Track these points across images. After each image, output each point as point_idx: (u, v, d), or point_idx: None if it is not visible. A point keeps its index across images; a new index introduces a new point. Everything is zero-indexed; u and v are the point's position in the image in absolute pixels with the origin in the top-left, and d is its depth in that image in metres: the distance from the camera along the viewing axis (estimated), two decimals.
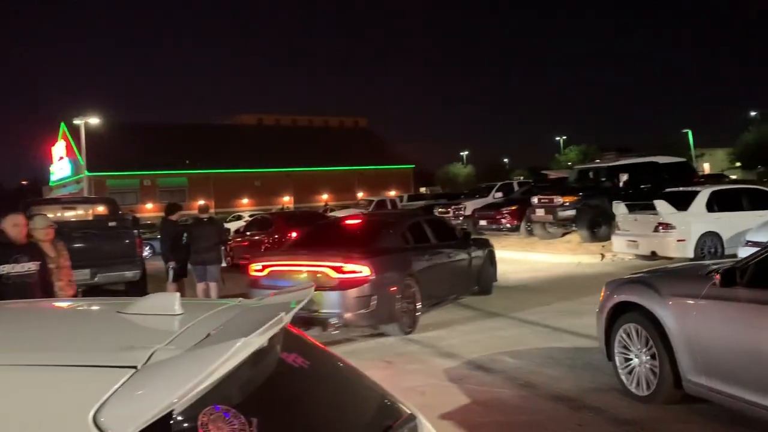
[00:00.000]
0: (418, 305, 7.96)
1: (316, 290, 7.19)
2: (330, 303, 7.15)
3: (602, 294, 5.29)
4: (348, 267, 7.26)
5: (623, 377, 4.94)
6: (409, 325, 7.74)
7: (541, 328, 7.60)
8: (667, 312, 4.40)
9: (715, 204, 11.73)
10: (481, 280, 10.00)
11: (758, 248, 4.32)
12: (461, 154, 77.86)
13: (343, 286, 7.19)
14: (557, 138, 73.03)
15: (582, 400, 4.91)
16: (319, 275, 7.32)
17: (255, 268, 8.05)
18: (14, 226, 5.19)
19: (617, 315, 5.00)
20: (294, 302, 1.61)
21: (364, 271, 7.26)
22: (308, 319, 7.20)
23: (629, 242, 12.48)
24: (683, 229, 11.42)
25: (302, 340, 1.80)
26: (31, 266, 5.21)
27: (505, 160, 78.13)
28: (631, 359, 4.85)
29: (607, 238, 14.11)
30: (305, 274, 7.48)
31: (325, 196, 56.46)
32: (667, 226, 11.50)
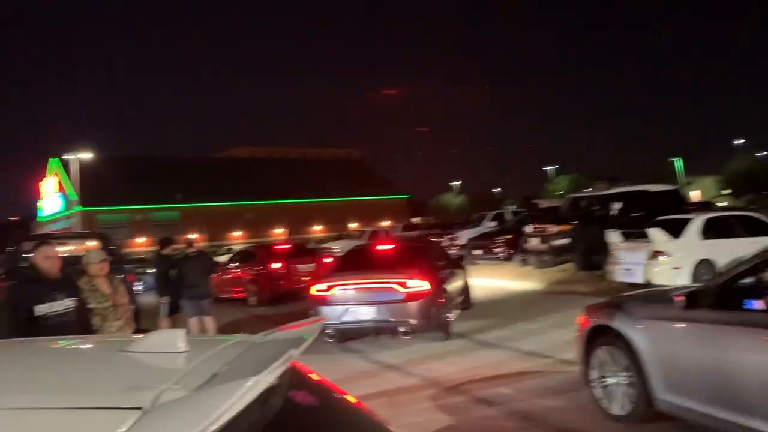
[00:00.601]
0: (450, 315, 9.25)
1: (385, 304, 8.35)
2: (398, 313, 8.45)
3: (581, 318, 5.49)
4: (412, 282, 8.56)
5: (601, 398, 5.12)
6: (449, 331, 9.01)
7: (538, 358, 7.53)
8: (637, 334, 4.66)
9: (709, 231, 11.74)
10: (466, 296, 11.50)
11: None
12: (451, 184, 78.15)
13: (410, 298, 8.47)
14: (546, 168, 73.60)
15: (586, 431, 4.84)
16: (386, 290, 8.55)
17: (320, 288, 8.97)
18: (46, 258, 4.66)
19: (594, 338, 5.21)
20: (307, 335, 1.57)
21: (424, 285, 8.59)
22: (378, 329, 8.71)
23: (624, 271, 12.45)
24: (678, 257, 11.40)
25: (310, 378, 1.75)
26: (69, 303, 4.68)
27: (497, 189, 78.52)
28: (608, 380, 5.03)
29: (602, 266, 14.10)
30: (373, 289, 8.66)
31: (318, 228, 56.40)
32: (661, 254, 11.50)
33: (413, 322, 8.43)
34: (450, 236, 23.41)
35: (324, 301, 8.82)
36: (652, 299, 5.28)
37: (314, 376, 1.78)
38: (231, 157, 70.51)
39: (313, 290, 9.07)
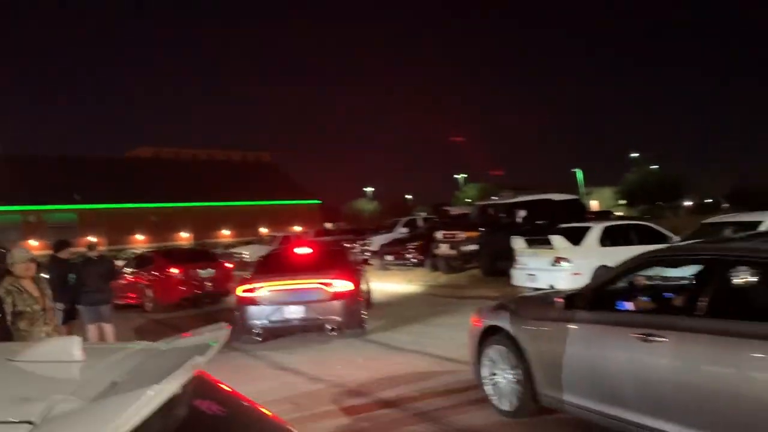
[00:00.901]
0: (365, 313, 9.85)
1: (312, 303, 8.71)
2: (326, 311, 8.93)
3: (474, 319, 5.75)
4: (338, 282, 9.08)
5: (491, 395, 5.39)
6: (365, 327, 9.56)
7: (439, 359, 7.73)
8: (523, 334, 4.98)
9: (607, 239, 12.39)
10: (368, 296, 12.13)
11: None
12: (364, 189, 78.58)
13: (336, 297, 8.99)
14: (456, 176, 75.35)
15: (477, 427, 5.05)
16: (313, 290, 8.97)
17: (247, 289, 9.21)
18: None
19: (486, 338, 5.47)
20: (212, 342, 1.51)
21: (349, 285, 9.16)
22: (305, 326, 9.11)
23: (528, 276, 12.90)
24: (579, 263, 11.92)
25: (218, 387, 1.69)
26: None
27: (409, 196, 79.50)
28: (498, 378, 5.30)
29: (507, 271, 14.56)
30: (301, 289, 9.03)
31: (227, 232, 55.09)
32: (563, 260, 12.01)
33: (339, 319, 8.95)
34: (362, 242, 23.52)
35: (252, 302, 9.10)
36: (537, 301, 5.63)
37: (223, 386, 1.73)
38: (135, 157, 67.63)
39: (240, 291, 9.32)
